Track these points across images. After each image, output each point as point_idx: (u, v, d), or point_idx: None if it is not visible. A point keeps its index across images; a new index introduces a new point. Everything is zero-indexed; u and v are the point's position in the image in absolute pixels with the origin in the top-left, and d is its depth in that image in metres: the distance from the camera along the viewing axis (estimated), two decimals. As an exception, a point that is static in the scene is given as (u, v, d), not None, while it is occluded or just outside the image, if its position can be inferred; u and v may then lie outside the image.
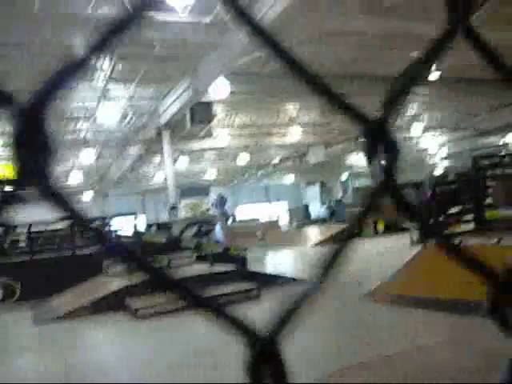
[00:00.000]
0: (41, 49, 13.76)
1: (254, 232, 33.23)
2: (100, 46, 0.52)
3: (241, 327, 0.56)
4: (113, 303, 10.30)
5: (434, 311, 7.03)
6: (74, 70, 0.53)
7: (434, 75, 17.47)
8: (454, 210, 14.31)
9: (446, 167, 43.15)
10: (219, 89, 16.43)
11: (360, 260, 15.86)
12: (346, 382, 3.61)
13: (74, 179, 32.99)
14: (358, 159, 38.33)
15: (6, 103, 0.49)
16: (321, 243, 23.71)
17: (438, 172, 43.80)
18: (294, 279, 11.87)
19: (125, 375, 6.18)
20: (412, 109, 25.18)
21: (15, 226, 19.80)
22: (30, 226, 15.50)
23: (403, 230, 21.57)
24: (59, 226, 17.09)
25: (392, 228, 24.74)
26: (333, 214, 35.24)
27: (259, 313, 9.46)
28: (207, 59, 15.11)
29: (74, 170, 31.96)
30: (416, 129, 28.79)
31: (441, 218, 14.59)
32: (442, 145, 35.96)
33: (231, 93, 16.96)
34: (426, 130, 29.64)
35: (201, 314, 0.56)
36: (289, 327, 0.57)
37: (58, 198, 0.52)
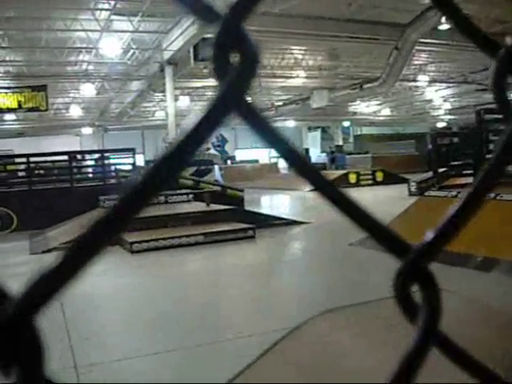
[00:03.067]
0: None
1: (252, 173, 33.33)
2: None
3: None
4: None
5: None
6: None
7: (443, 25, 17.16)
8: (454, 163, 14.32)
9: (449, 120, 42.92)
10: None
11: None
12: (325, 327, 3.65)
13: (75, 112, 32.79)
14: (361, 106, 38.05)
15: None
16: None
17: (441, 125, 43.60)
18: (289, 221, 11.98)
19: (119, 301, 6.29)
20: (419, 59, 24.83)
21: (15, 156, 19.85)
22: (29, 156, 15.50)
23: (403, 180, 21.63)
24: (58, 158, 17.12)
25: (391, 178, 24.81)
26: (333, 161, 35.22)
27: (253, 252, 9.57)
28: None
29: (74, 103, 31.75)
30: (421, 79, 28.45)
31: (441, 171, 14.63)
32: (447, 98, 35.64)
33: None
34: (431, 81, 29.30)
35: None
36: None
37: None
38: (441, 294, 0.51)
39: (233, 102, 0.42)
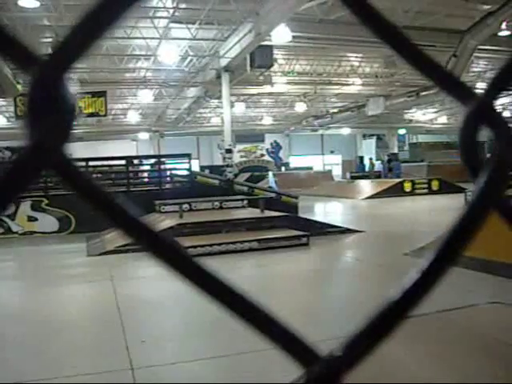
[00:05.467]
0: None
1: (306, 180, 33.24)
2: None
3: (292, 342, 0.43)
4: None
5: (486, 273, 6.92)
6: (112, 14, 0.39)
7: (503, 32, 16.81)
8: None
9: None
10: (281, 33, 16.20)
11: (413, 215, 15.76)
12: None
13: (132, 117, 33.43)
14: (417, 114, 37.49)
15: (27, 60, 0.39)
16: (372, 197, 23.60)
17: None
18: (343, 229, 11.90)
19: (174, 305, 6.37)
20: (477, 66, 24.35)
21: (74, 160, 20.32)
22: (88, 160, 15.86)
23: (459, 189, 21.19)
24: (115, 162, 17.49)
25: (447, 187, 24.34)
26: (390, 169, 34.61)
27: (307, 259, 9.54)
28: (271, 2, 14.87)
29: (131, 109, 32.38)
30: (480, 87, 27.85)
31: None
32: (506, 106, 34.77)
33: (293, 38, 16.69)
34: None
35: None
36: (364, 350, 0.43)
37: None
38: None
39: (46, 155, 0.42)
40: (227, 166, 19.34)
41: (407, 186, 25.11)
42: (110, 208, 0.41)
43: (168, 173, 17.06)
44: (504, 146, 0.46)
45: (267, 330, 0.42)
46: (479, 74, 26.19)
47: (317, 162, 45.92)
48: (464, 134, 0.46)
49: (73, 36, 0.38)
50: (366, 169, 35.98)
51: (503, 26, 16.44)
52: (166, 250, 0.42)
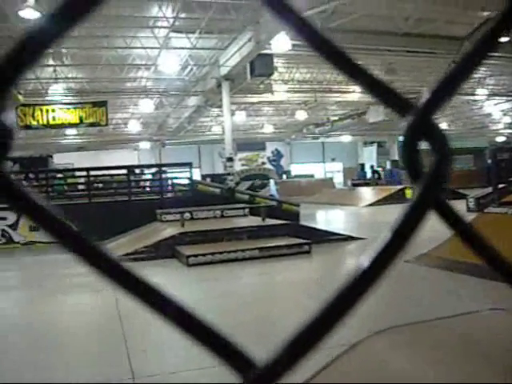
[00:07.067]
0: None
1: (307, 188, 33.23)
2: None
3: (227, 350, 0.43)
4: (166, 249, 10.53)
5: (488, 280, 6.91)
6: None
7: (503, 38, 16.85)
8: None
9: (509, 135, 41.87)
10: (280, 42, 16.24)
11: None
12: (380, 345, 3.60)
13: (133, 127, 33.50)
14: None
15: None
16: (373, 204, 23.61)
17: (500, 139, 42.56)
18: (344, 237, 11.88)
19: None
20: (477, 72, 24.39)
21: (75, 170, 20.41)
22: (89, 170, 15.88)
23: (460, 195, 21.17)
24: (117, 172, 17.51)
25: (448, 194, 24.28)
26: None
27: (308, 267, 9.53)
28: (270, 11, 14.88)
29: (132, 119, 32.45)
30: (480, 93, 27.91)
31: (500, 186, 14.26)
32: (507, 112, 34.83)
33: (293, 46, 16.74)
34: (490, 94, 28.69)
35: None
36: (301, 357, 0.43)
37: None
38: (449, 144, 0.49)
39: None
40: (228, 174, 19.34)
41: (408, 193, 25.07)
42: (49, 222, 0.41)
43: (169, 182, 17.07)
44: (440, 158, 0.48)
45: (202, 337, 0.43)
46: (479, 80, 26.24)
47: (318, 170, 45.93)
48: (404, 145, 0.49)
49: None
50: (367, 176, 35.97)
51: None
52: (92, 253, 0.42)
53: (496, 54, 18.85)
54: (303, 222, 14.07)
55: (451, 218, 0.54)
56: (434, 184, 0.48)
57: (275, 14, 0.45)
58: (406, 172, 0.49)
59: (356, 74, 0.49)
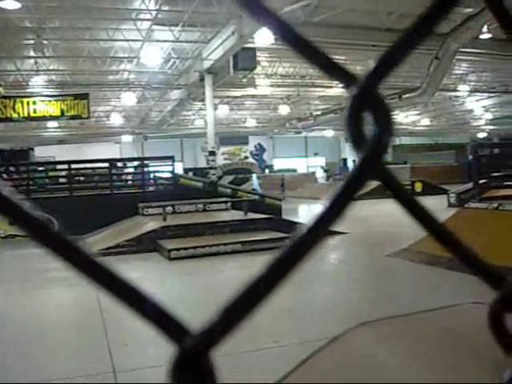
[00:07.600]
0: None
1: (290, 182, 33.29)
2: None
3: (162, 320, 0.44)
4: (147, 243, 10.50)
5: (468, 274, 6.95)
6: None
7: (485, 34, 16.98)
8: (495, 174, 14.06)
9: (490, 131, 42.23)
10: (263, 36, 16.20)
11: (395, 217, 15.82)
12: (362, 339, 3.62)
13: (115, 120, 33.29)
14: (400, 116, 37.73)
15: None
16: (356, 198, 23.72)
17: (481, 135, 42.91)
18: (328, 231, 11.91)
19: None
20: (459, 68, 24.55)
21: (56, 163, 20.25)
22: (70, 163, 15.77)
23: (442, 191, 21.36)
24: (98, 165, 17.40)
25: (430, 189, 24.48)
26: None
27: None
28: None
29: (114, 112, 32.25)
30: (462, 89, 28.11)
31: (481, 182, 14.39)
32: (488, 108, 35.10)
33: (276, 40, 16.70)
34: (472, 91, 28.90)
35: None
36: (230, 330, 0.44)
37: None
38: (392, 116, 0.49)
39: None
40: (211, 168, 19.29)
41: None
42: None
43: (151, 175, 17.01)
44: (381, 130, 0.48)
45: (138, 306, 0.43)
46: (461, 76, 26.42)
47: (301, 165, 46.03)
48: (348, 115, 0.48)
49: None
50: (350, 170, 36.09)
51: (484, 28, 16.61)
52: (65, 247, 0.42)
53: (477, 51, 19.01)
54: (286, 217, 14.10)
55: (397, 193, 0.58)
56: (375, 155, 0.49)
57: (249, 13, 0.45)
58: (350, 142, 0.49)
59: (303, 49, 0.52)
